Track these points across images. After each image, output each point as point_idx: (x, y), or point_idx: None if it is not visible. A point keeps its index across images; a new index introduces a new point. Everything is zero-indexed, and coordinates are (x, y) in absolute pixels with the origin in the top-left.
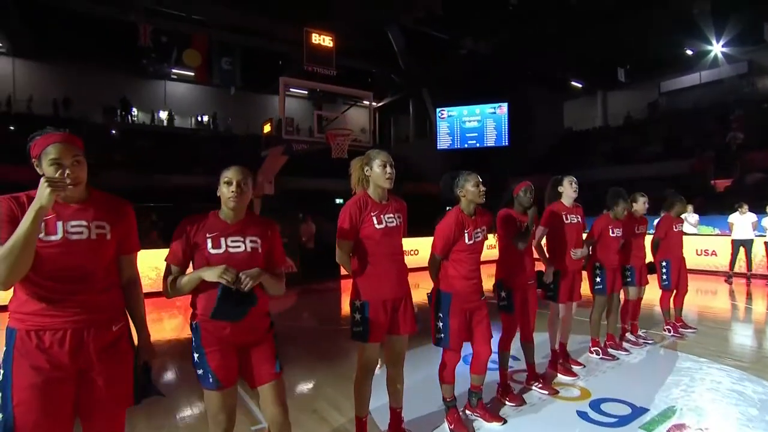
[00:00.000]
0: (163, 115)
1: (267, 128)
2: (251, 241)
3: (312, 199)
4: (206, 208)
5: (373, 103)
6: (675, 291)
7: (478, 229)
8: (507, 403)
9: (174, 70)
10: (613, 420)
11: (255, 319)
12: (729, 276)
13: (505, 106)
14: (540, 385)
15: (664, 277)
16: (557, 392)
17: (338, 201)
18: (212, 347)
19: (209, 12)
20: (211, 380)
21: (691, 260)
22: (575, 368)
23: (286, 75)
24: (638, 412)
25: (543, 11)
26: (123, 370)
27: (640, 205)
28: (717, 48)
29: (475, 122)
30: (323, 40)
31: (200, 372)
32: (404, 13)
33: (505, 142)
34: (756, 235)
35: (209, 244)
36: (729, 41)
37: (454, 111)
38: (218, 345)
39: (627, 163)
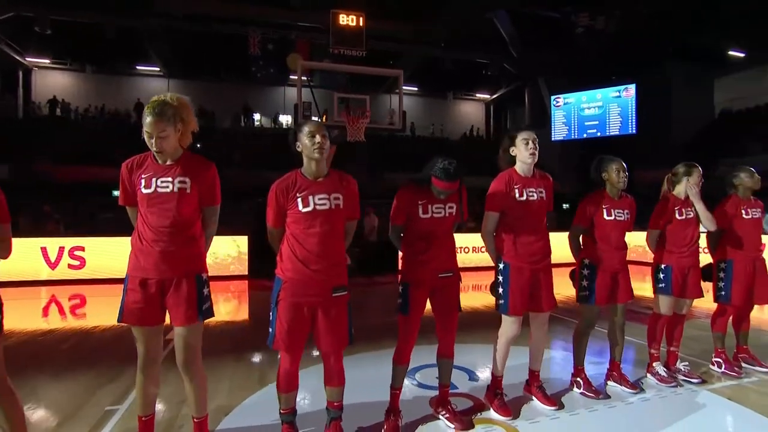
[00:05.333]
0: (283, 118)
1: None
2: None
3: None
4: None
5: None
6: (739, 307)
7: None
8: None
9: (291, 77)
10: None
11: None
12: None
13: (632, 89)
14: (447, 414)
15: (722, 284)
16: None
17: None
18: None
19: (309, 18)
20: None
21: None
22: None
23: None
24: None
25: None
26: None
27: (682, 182)
28: None
29: (595, 109)
30: (351, 20)
31: None
32: None
33: (632, 129)
34: None
35: None
36: None
37: (571, 98)
38: None
39: None
